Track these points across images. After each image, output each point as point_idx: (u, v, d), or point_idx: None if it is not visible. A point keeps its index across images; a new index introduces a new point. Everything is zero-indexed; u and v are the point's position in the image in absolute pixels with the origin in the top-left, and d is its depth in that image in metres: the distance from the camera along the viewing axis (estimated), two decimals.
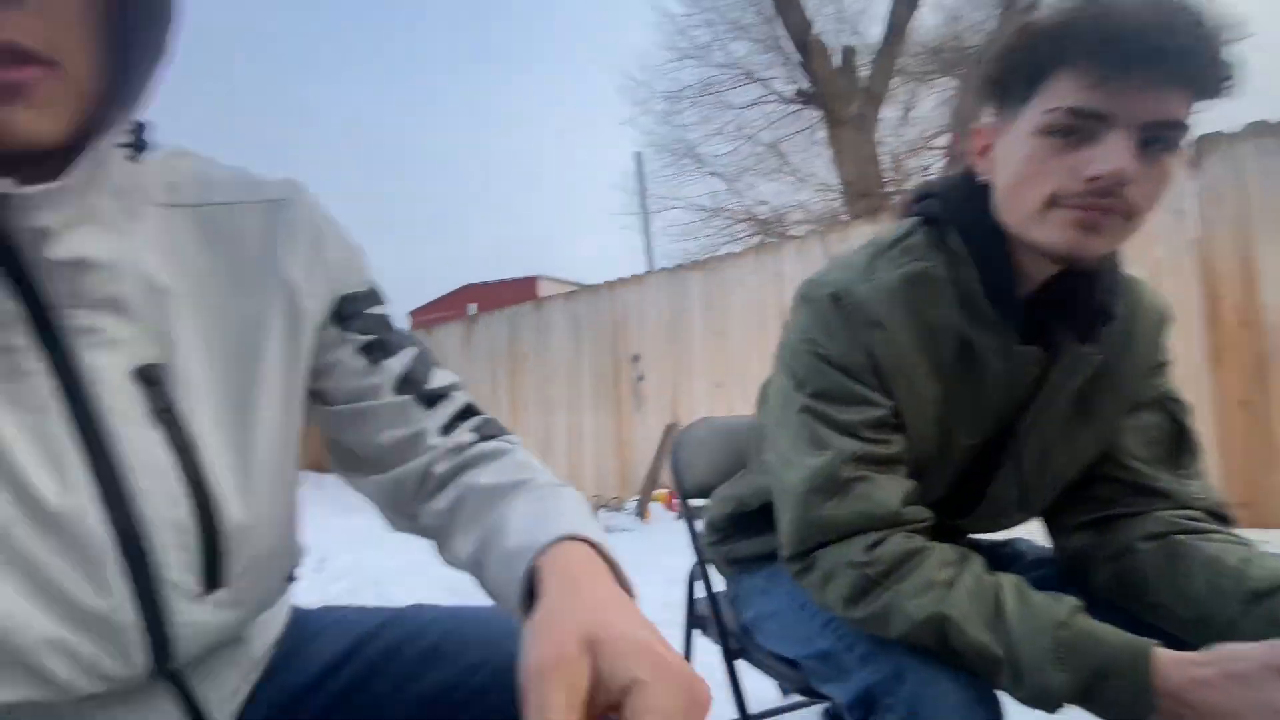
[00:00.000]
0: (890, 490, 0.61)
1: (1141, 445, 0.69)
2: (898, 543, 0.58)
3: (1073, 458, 0.69)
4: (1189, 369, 2.56)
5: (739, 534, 0.85)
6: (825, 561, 0.61)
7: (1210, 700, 0.45)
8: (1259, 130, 2.45)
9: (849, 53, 7.76)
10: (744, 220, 9.55)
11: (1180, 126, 0.54)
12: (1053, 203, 0.56)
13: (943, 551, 0.59)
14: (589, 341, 4.72)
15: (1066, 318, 0.63)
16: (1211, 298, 2.53)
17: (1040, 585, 0.73)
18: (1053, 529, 0.75)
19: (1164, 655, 0.48)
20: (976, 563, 0.59)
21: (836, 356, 0.63)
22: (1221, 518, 0.67)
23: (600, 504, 4.30)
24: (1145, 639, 0.50)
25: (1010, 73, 0.58)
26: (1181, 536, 0.64)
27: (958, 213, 0.64)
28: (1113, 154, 0.52)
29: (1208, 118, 0.59)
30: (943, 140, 8.31)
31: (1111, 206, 0.54)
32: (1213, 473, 2.46)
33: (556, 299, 5.15)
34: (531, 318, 5.18)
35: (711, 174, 9.54)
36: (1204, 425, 2.53)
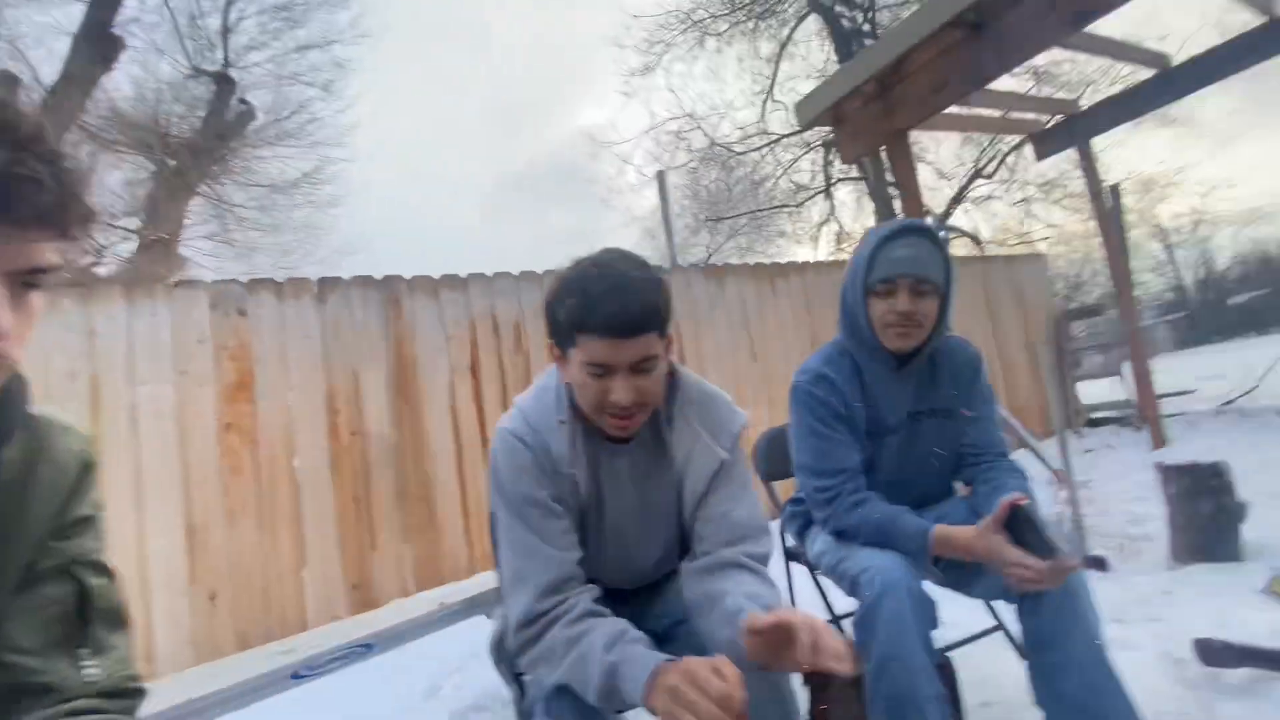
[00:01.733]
0: None
1: (36, 630, 0.56)
2: None
3: None
4: (317, 476, 2.97)
5: None
6: None
7: None
8: (363, 281, 3.24)
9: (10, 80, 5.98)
10: None
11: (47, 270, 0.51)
12: None
13: None
14: None
15: None
16: (331, 413, 3.05)
17: None
18: None
19: None
20: None
21: None
22: (125, 694, 0.59)
23: None
24: None
25: None
26: None
27: None
28: None
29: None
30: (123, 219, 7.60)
31: None
32: (332, 560, 2.80)
33: None
34: None
35: None
36: (326, 520, 2.98)
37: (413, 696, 2.12)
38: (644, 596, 1.12)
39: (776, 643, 0.70)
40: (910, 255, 1.20)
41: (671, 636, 1.02)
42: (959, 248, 10.02)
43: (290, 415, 2.97)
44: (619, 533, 1.01)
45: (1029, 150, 6.34)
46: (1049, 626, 1.09)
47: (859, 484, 1.28)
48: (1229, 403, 5.90)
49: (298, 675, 1.12)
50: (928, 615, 1.11)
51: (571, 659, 0.80)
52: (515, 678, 1.05)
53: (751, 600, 0.81)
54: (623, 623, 0.84)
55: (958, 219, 10.04)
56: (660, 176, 4.41)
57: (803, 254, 10.75)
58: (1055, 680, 1.08)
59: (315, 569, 2.90)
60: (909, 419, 1.33)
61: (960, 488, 1.44)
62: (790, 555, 1.72)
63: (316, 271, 3.23)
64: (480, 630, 2.27)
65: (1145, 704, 1.45)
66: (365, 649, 1.16)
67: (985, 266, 6.06)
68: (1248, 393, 6.02)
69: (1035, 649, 1.12)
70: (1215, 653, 1.50)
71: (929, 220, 8.61)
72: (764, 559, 0.94)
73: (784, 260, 4.79)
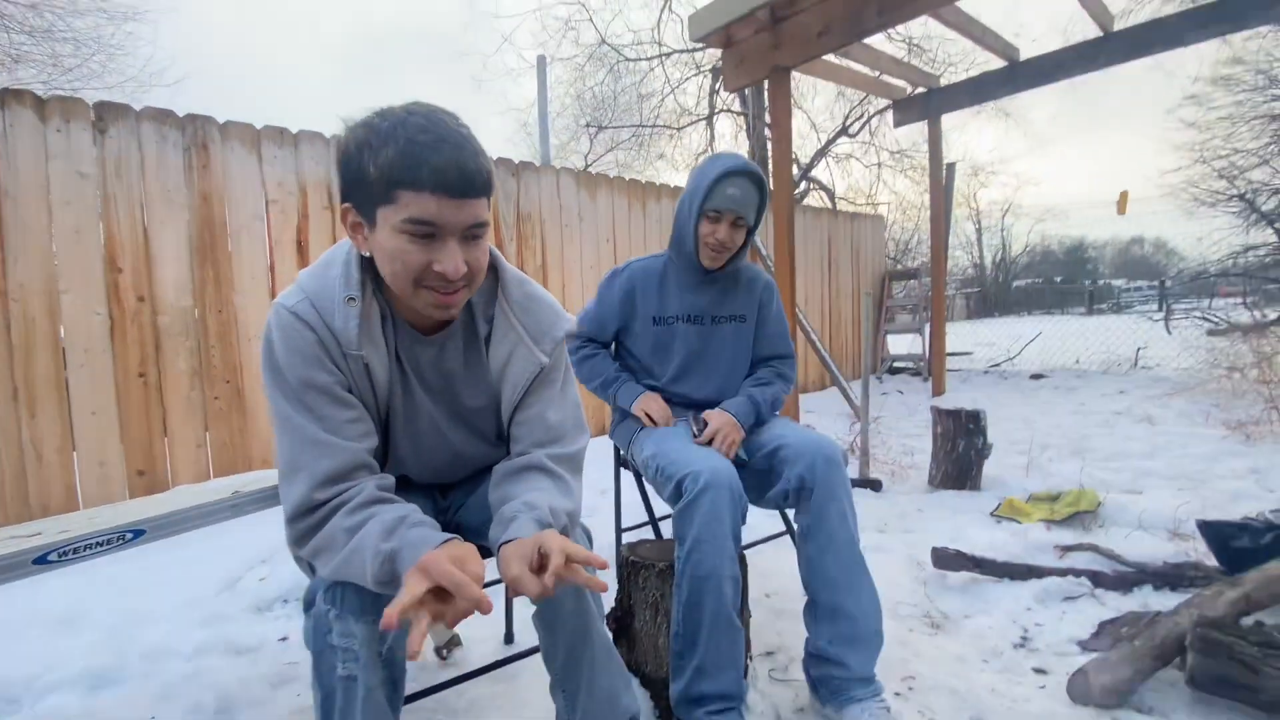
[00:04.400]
0: None
1: None
2: None
3: None
4: (92, 344, 2.51)
5: None
6: None
7: None
8: (160, 115, 2.67)
9: None
10: None
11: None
12: None
13: None
14: None
15: None
16: (111, 270, 2.56)
17: None
18: None
19: None
20: None
21: None
22: None
23: None
24: None
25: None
26: None
27: None
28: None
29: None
30: None
31: None
32: (110, 443, 2.40)
33: None
34: None
35: None
36: (104, 396, 2.56)
37: (205, 588, 1.96)
38: (464, 489, 1.11)
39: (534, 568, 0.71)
40: (739, 195, 1.46)
41: (484, 532, 1.02)
42: (814, 200, 10.65)
43: (54, 268, 2.44)
44: (431, 427, 0.98)
45: (890, 119, 6.79)
46: (813, 522, 1.29)
47: (597, 347, 1.68)
48: (995, 365, 7.13)
49: (44, 559, 0.97)
50: (740, 510, 1.25)
51: (349, 549, 0.74)
52: (312, 569, 1.00)
53: (528, 509, 0.81)
54: (407, 508, 0.79)
55: (819, 171, 10.61)
56: (541, 63, 4.07)
57: (678, 180, 10.81)
58: (815, 562, 1.29)
59: (89, 452, 2.50)
60: (712, 322, 1.61)
61: None
62: (621, 462, 1.82)
63: (101, 100, 2.58)
64: None
65: (889, 594, 1.76)
66: (134, 534, 1.02)
67: (833, 221, 6.52)
68: (1009, 359, 7.32)
69: (802, 539, 1.32)
70: (946, 559, 1.85)
71: (794, 167, 8.96)
72: (573, 457, 0.96)
73: (659, 182, 4.76)
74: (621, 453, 1.76)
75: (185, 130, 2.72)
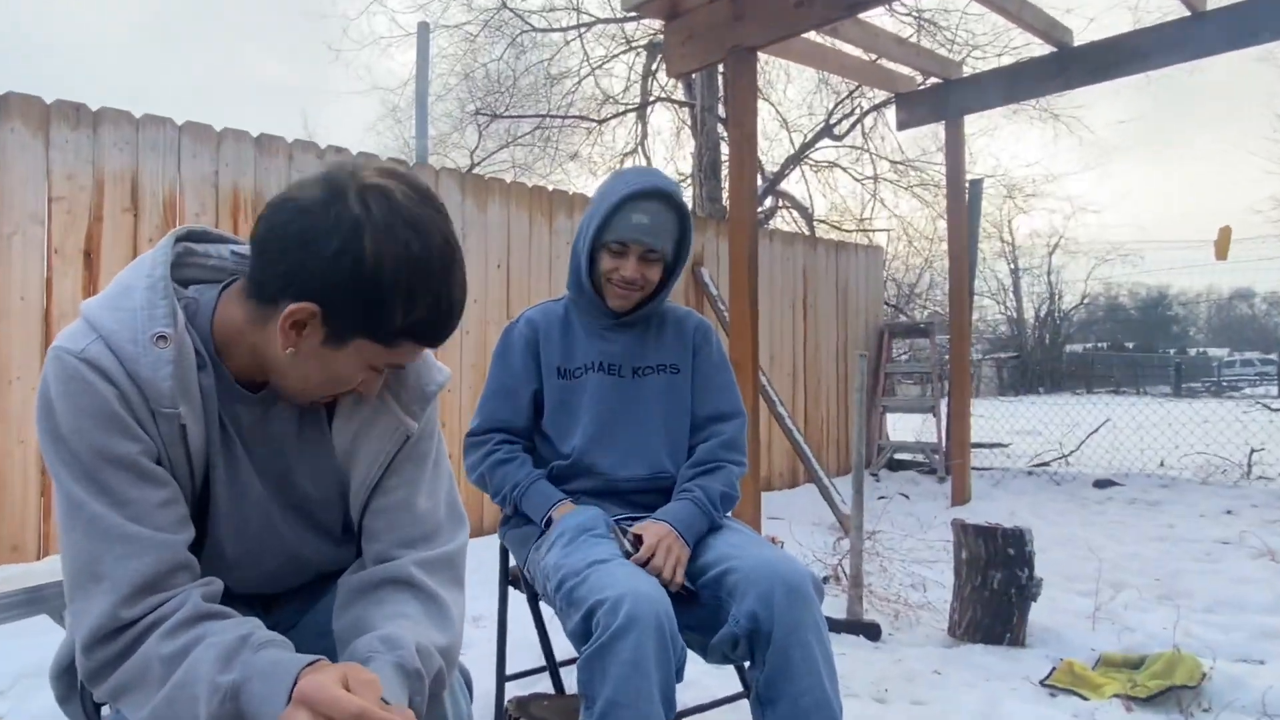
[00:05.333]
0: None
1: None
2: None
3: None
4: None
5: None
6: None
7: None
8: None
9: None
10: None
11: None
12: None
13: None
14: None
15: None
16: None
17: None
18: None
19: None
20: None
21: None
22: None
23: None
24: None
25: None
26: None
27: None
28: None
29: None
30: None
31: None
32: None
33: None
34: None
35: None
36: None
37: None
38: (298, 603, 1.13)
39: None
40: (648, 224, 1.60)
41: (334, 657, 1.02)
42: (784, 221, 11.20)
43: None
44: (259, 515, 1.01)
45: (891, 115, 7.33)
46: (771, 681, 1.31)
47: (514, 448, 1.73)
48: (1043, 464, 7.47)
49: None
50: (675, 660, 1.25)
51: (172, 685, 0.77)
52: (94, 711, 1.02)
53: (387, 648, 0.86)
54: (247, 624, 0.84)
55: (791, 184, 11.23)
56: (422, 30, 4.27)
57: (595, 188, 11.10)
58: None
59: None
60: (634, 374, 1.72)
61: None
62: (509, 579, 1.91)
63: None
64: (46, 638, 2.01)
65: None
66: None
67: (811, 251, 6.87)
68: (1063, 456, 7.66)
69: (758, 706, 1.34)
70: None
71: (759, 186, 9.42)
72: (450, 559, 1.02)
73: (572, 191, 4.94)
74: (513, 563, 1.79)
75: None
